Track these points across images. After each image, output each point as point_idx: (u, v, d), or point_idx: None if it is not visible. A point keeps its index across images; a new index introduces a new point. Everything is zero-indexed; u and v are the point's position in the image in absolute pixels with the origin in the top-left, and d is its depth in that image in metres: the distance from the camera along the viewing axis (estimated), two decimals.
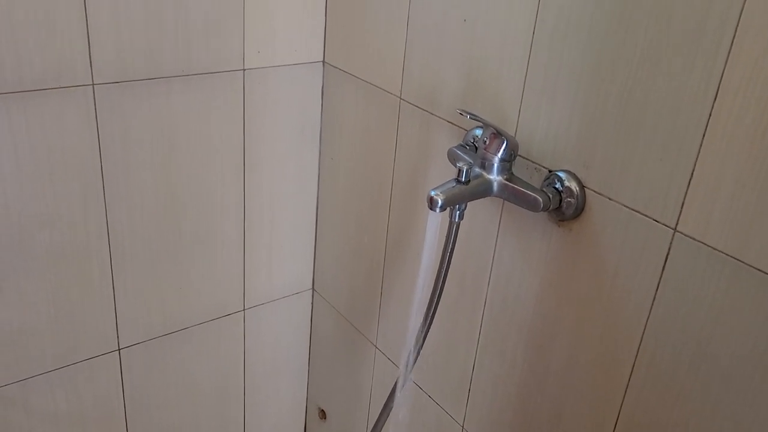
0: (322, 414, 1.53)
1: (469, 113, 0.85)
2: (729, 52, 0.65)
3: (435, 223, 0.90)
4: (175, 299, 1.24)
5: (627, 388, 0.81)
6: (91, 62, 0.99)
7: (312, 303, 1.46)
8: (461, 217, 0.91)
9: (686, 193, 0.71)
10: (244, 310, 1.34)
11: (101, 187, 1.07)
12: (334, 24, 1.20)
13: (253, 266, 1.32)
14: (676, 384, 0.75)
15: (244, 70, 1.15)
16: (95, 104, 1.02)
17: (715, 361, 0.71)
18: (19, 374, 1.11)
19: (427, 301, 0.98)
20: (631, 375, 0.80)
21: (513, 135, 0.88)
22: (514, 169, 0.87)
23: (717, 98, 0.66)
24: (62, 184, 1.03)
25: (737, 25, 0.64)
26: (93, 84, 1.00)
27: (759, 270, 0.66)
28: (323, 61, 1.24)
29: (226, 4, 1.08)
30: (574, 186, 0.81)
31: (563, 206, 0.83)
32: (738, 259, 0.67)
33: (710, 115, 0.67)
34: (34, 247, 1.05)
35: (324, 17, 1.21)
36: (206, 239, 1.23)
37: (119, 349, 1.20)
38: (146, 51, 1.03)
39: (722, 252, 0.69)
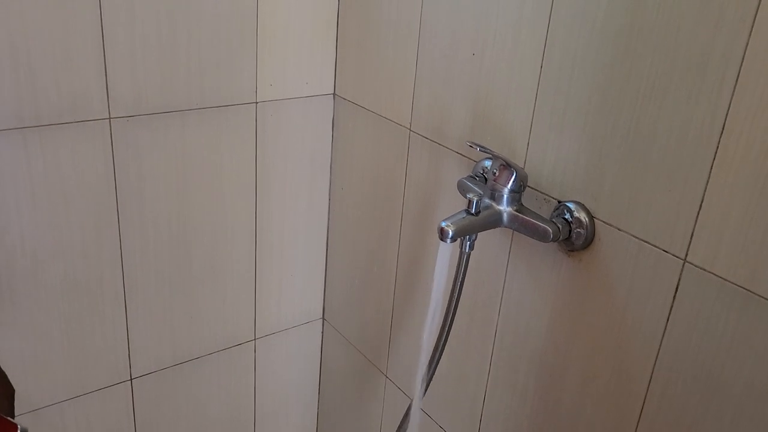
0: None
1: (479, 145, 0.87)
2: (735, 85, 0.65)
3: (446, 254, 0.90)
4: (187, 329, 1.24)
5: (640, 418, 0.80)
6: (108, 96, 1.01)
7: (322, 332, 1.46)
8: (471, 247, 0.92)
9: (695, 223, 0.71)
10: (255, 339, 1.35)
11: (116, 219, 1.08)
12: (345, 57, 1.22)
13: (264, 296, 1.32)
14: (689, 414, 0.75)
15: (256, 102, 1.17)
16: (111, 137, 1.03)
17: (727, 392, 0.71)
18: (31, 404, 1.11)
19: (438, 330, 0.98)
20: (643, 406, 0.80)
21: (522, 166, 0.89)
22: (523, 200, 0.88)
23: (724, 129, 0.67)
24: (77, 215, 1.05)
25: (742, 59, 0.65)
26: (110, 118, 1.02)
27: None
28: (334, 94, 1.26)
29: (239, 38, 1.11)
30: (583, 216, 0.82)
31: (573, 237, 0.83)
32: (748, 290, 0.68)
33: (718, 145, 0.68)
34: (48, 277, 1.06)
35: (335, 51, 1.23)
36: (218, 269, 1.24)
37: (131, 379, 1.21)
38: (161, 85, 1.05)
39: (732, 282, 0.69)
